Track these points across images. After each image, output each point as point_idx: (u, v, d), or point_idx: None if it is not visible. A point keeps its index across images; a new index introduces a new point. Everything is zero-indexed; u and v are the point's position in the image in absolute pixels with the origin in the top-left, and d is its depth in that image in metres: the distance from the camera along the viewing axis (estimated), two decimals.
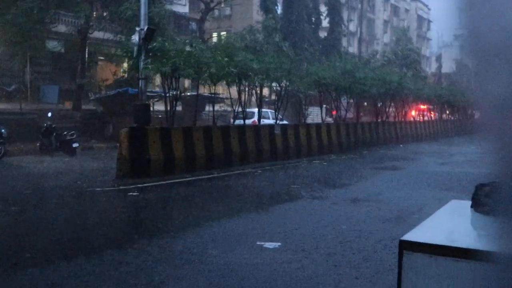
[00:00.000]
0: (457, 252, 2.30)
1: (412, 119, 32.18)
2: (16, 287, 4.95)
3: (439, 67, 63.10)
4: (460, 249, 2.31)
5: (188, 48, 14.43)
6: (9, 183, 11.42)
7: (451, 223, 3.18)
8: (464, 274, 2.28)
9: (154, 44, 13.80)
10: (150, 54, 13.75)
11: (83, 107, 24.38)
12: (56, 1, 22.52)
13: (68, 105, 24.73)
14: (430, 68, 73.74)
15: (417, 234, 2.57)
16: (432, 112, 36.40)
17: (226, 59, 14.87)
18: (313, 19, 39.13)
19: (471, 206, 3.14)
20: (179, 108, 18.31)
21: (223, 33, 36.42)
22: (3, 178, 12.37)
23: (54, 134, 16.97)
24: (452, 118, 38.53)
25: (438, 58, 64.76)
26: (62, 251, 6.17)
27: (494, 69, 1.52)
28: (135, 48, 13.67)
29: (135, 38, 13.71)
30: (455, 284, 2.34)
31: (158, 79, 22.07)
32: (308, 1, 37.51)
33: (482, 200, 3.09)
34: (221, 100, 25.98)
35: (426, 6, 76.51)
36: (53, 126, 17.17)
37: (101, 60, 29.81)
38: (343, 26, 43.19)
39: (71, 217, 8.39)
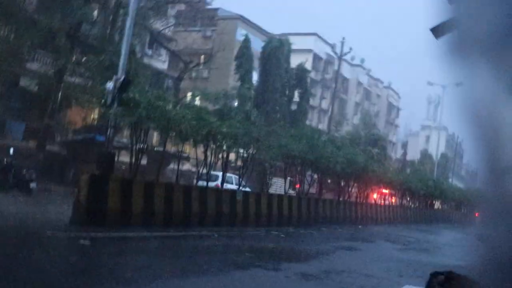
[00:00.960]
0: None
1: (373, 201, 32.55)
2: None
3: (404, 154, 64.61)
4: None
5: (158, 103, 14.48)
6: None
7: None
8: None
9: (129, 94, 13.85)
10: (122, 104, 13.76)
11: (48, 147, 24.00)
12: (37, 39, 22.58)
13: (32, 144, 24.31)
14: (396, 154, 75.47)
15: None
16: (393, 197, 36.91)
17: (194, 122, 14.97)
18: (287, 91, 39.96)
19: None
20: (143, 161, 18.18)
21: (197, 94, 36.82)
22: None
23: (13, 171, 16.58)
24: (412, 205, 39.11)
25: (404, 146, 66.44)
26: None
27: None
28: (109, 96, 13.68)
29: (110, 86, 13.73)
30: None
31: (126, 132, 22.06)
32: (282, 73, 38.40)
33: None
34: (187, 159, 25.93)
35: (397, 94, 79.25)
36: (13, 163, 16.80)
37: (73, 104, 29.65)
38: (310, 101, 44.19)
39: (13, 258, 8.07)
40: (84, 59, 26.10)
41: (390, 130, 75.74)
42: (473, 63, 1.58)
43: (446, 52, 1.68)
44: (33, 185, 16.77)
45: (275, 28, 53.97)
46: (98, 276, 7.57)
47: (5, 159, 16.90)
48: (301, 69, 40.31)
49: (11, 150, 17.74)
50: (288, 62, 39.37)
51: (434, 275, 3.24)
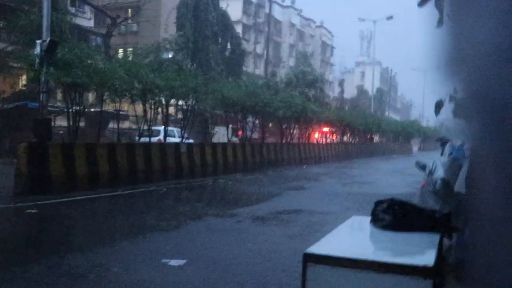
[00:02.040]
0: (357, 263, 2.43)
1: (315, 141, 33.22)
2: None
3: (341, 92, 65.73)
4: (360, 260, 2.44)
5: (89, 61, 14.07)
6: None
7: (352, 237, 3.34)
8: (364, 284, 2.41)
9: (57, 54, 13.35)
10: (52, 66, 13.28)
11: None
12: None
13: None
14: (333, 92, 76.67)
15: (320, 247, 2.68)
16: (334, 135, 37.78)
17: (126, 76, 14.67)
18: (219, 39, 39.45)
19: (370, 221, 3.33)
20: (82, 124, 17.76)
21: (129, 49, 35.89)
22: None
23: None
24: (353, 141, 40.19)
25: (341, 83, 67.51)
26: None
27: None
28: (37, 60, 13.16)
29: (37, 48, 13.22)
30: None
31: (60, 95, 21.35)
32: (214, 21, 37.79)
33: (380, 216, 3.29)
34: (126, 118, 25.50)
35: (330, 33, 79.78)
36: None
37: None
38: (244, 46, 43.85)
39: None
40: (4, 23, 24.83)
41: (326, 69, 76.61)
42: None
43: None
44: None
45: None
46: (50, 243, 7.49)
47: None
48: (221, 14, 39.63)
49: None
50: (216, 9, 38.72)
51: (378, 203, 3.42)
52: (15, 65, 22.53)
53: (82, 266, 5.96)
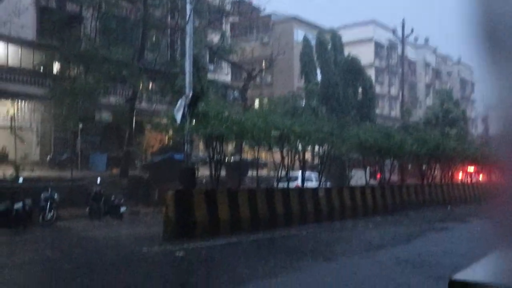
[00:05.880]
0: None
1: (459, 181, 31.52)
2: None
3: (486, 128, 61.95)
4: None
5: (226, 113, 14.80)
6: (62, 246, 11.72)
7: (503, 264, 3.08)
8: None
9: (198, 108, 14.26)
10: (194, 119, 14.18)
11: (130, 173, 24.99)
12: (110, 76, 23.66)
13: (115, 172, 25.40)
14: (476, 130, 72.63)
15: (467, 274, 2.52)
16: (480, 174, 35.54)
17: (263, 125, 15.17)
18: (350, 84, 39.49)
19: None
20: (222, 173, 18.58)
21: (265, 100, 37.19)
22: (57, 242, 12.70)
23: (103, 199, 17.41)
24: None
25: (484, 120, 63.74)
26: None
27: None
28: (180, 114, 14.13)
29: (181, 104, 14.21)
30: None
31: (201, 146, 22.65)
32: (340, 67, 38.12)
33: None
34: (264, 165, 26.18)
35: (469, 68, 76.37)
36: (102, 192, 17.64)
37: (148, 129, 30.73)
38: (377, 89, 43.40)
39: (119, 275, 8.52)
40: (151, 84, 27.13)
41: (467, 106, 73.08)
42: None
43: None
44: (123, 209, 17.52)
45: (331, 22, 53.43)
46: (200, 284, 7.86)
47: (94, 189, 17.77)
48: (351, 59, 39.60)
49: (98, 180, 18.62)
50: (342, 54, 39.07)
51: None
52: (162, 122, 24.36)
53: None
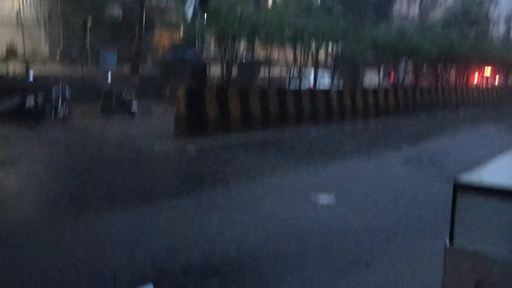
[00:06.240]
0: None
1: (474, 85, 30.99)
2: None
3: (508, 30, 59.70)
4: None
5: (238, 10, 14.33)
6: (76, 143, 11.86)
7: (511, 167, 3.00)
8: None
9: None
10: (206, 16, 13.80)
11: (141, 71, 24.78)
12: None
13: (126, 70, 25.19)
14: (498, 32, 70.15)
15: (473, 176, 2.45)
16: (497, 78, 34.75)
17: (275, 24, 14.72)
18: None
19: None
20: (233, 74, 18.32)
21: None
22: (70, 138, 12.83)
23: (114, 96, 17.35)
24: None
25: (507, 21, 61.09)
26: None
27: None
28: (190, 11, 13.74)
29: (192, 1, 13.80)
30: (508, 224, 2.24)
31: (213, 45, 22.22)
32: None
33: None
34: (276, 65, 25.78)
35: None
36: (113, 89, 17.54)
37: (158, 27, 30.11)
38: None
39: (136, 168, 8.65)
40: None
41: (489, 6, 70.22)
42: None
43: None
44: (134, 106, 17.49)
45: None
46: (203, 177, 7.95)
47: (105, 86, 17.66)
48: None
49: (109, 76, 18.44)
50: None
51: None
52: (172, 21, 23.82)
53: (237, 198, 6.26)
